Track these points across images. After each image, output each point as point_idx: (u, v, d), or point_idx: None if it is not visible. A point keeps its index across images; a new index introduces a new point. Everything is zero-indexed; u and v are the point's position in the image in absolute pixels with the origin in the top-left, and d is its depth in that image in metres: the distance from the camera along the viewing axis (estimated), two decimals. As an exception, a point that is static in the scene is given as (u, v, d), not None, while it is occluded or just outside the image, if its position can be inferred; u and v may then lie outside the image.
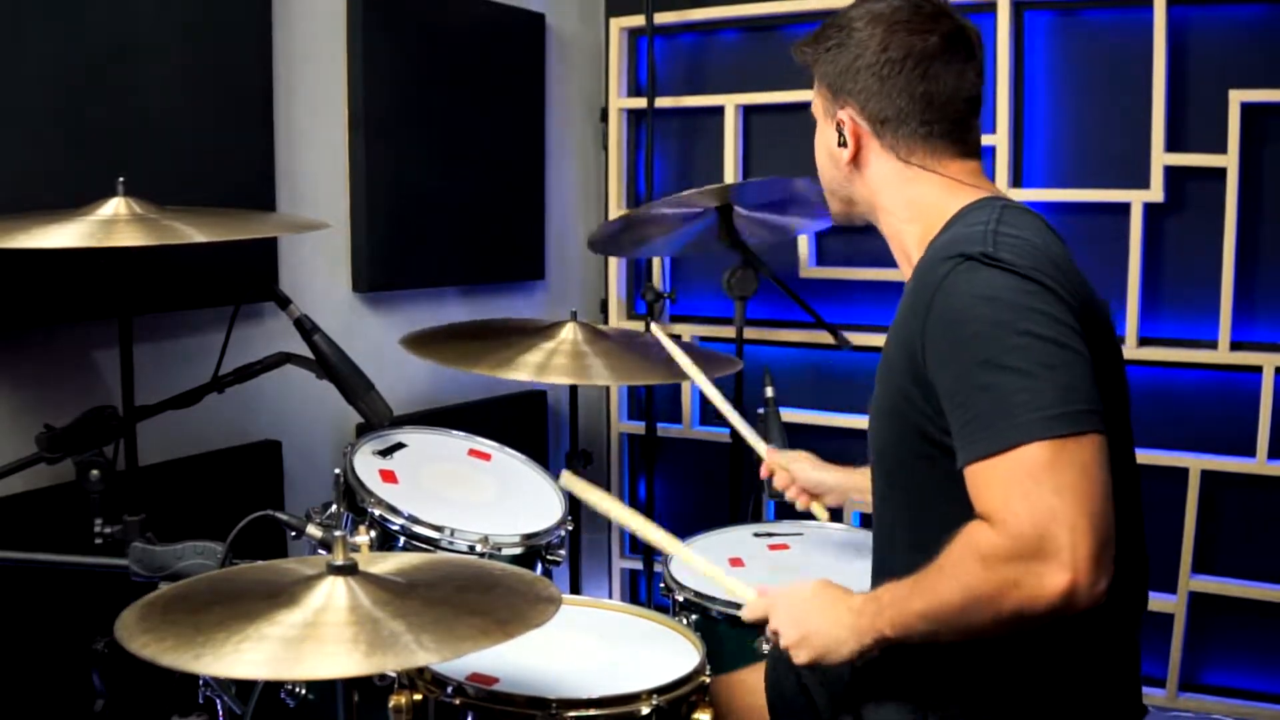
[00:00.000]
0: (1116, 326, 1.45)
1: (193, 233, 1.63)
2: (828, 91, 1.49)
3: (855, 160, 1.48)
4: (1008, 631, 1.21)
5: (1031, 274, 1.24)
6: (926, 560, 1.29)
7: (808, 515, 2.34)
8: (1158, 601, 2.68)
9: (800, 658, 1.40)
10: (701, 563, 1.66)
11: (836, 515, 2.98)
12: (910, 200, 1.46)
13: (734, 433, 2.81)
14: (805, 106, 3.18)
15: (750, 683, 1.72)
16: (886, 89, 1.43)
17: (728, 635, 1.86)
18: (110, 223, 1.63)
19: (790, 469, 2.00)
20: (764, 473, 2.03)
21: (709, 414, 3.25)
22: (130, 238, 1.57)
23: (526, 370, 2.19)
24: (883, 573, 1.51)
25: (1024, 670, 1.35)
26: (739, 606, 1.86)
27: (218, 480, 2.26)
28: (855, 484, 1.93)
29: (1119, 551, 1.26)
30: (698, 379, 2.12)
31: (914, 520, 1.42)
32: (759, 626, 1.80)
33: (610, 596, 3.41)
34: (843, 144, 1.48)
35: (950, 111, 1.44)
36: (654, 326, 2.21)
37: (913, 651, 1.41)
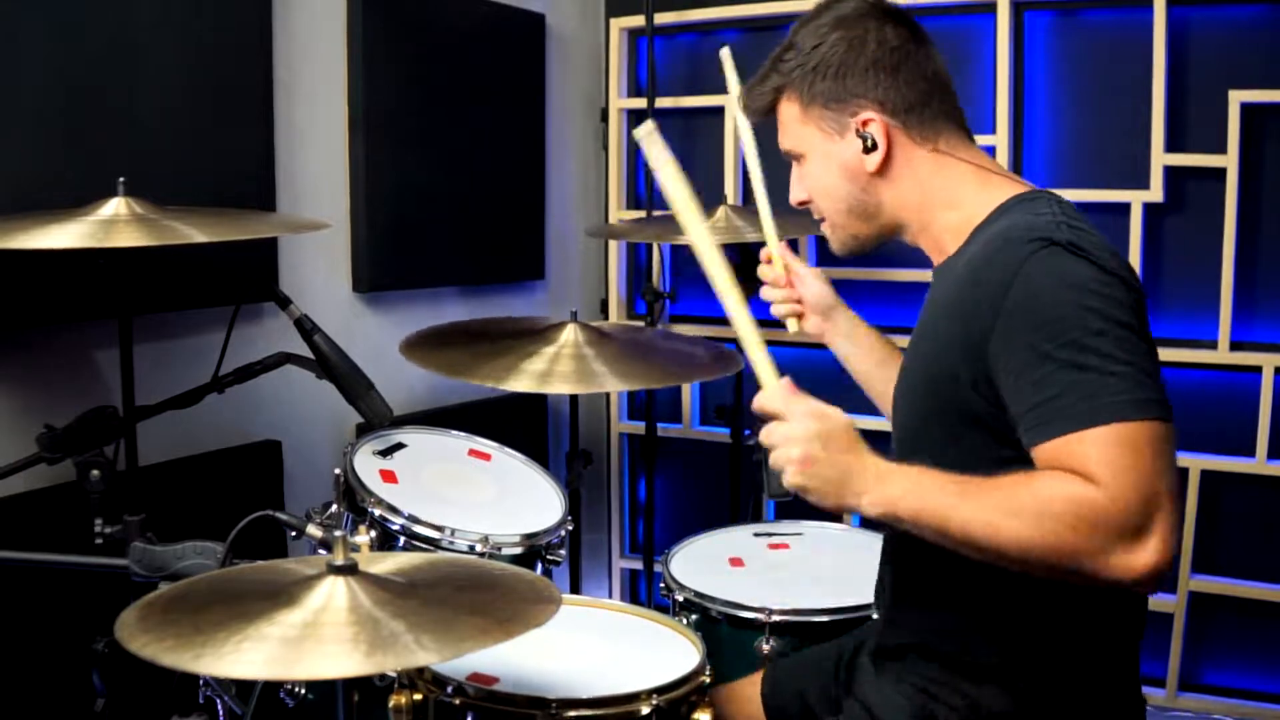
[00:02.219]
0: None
1: (193, 233, 1.63)
2: (824, 108, 1.43)
3: (884, 164, 1.42)
4: (1048, 577, 1.20)
5: (1111, 267, 1.24)
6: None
7: (809, 512, 2.34)
8: (1157, 601, 2.68)
9: (792, 478, 1.29)
10: (750, 329, 1.51)
11: (852, 523, 2.98)
12: (945, 187, 1.42)
13: (732, 426, 2.81)
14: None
15: (748, 693, 1.72)
16: (903, 77, 1.39)
17: (728, 635, 1.86)
18: (110, 223, 1.63)
19: (796, 271, 1.79)
20: (763, 255, 1.81)
21: (709, 414, 3.25)
22: (130, 238, 1.57)
23: (528, 380, 2.17)
24: (895, 550, 1.50)
25: (1028, 665, 1.35)
26: (740, 607, 1.87)
27: (218, 480, 2.26)
28: (863, 345, 1.77)
29: None
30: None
31: None
32: (760, 628, 1.81)
33: (610, 596, 3.41)
34: (870, 148, 1.41)
35: (952, 93, 1.44)
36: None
37: (916, 648, 1.42)
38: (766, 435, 1.32)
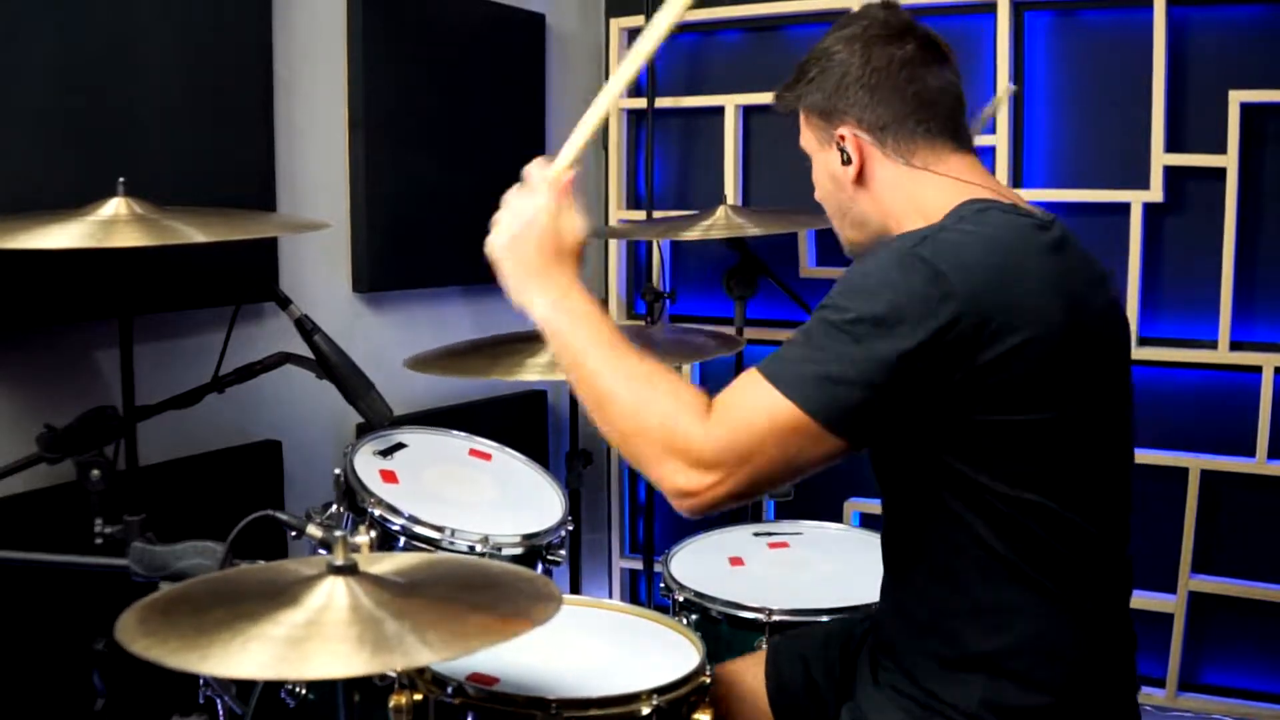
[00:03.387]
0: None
1: (193, 233, 1.63)
2: (818, 119, 1.50)
3: (860, 175, 1.48)
4: (612, 443, 1.34)
5: (925, 258, 1.26)
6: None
7: (809, 511, 2.35)
8: (1158, 601, 2.68)
9: (491, 248, 1.48)
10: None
11: (838, 508, 2.98)
12: (917, 202, 1.45)
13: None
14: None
15: (750, 670, 1.72)
16: (879, 96, 1.45)
17: (728, 635, 1.86)
18: (110, 223, 1.63)
19: None
20: None
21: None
22: (130, 238, 1.57)
23: (535, 370, 2.18)
24: (887, 554, 1.51)
25: (1027, 667, 1.35)
26: (740, 607, 1.87)
27: (218, 480, 2.26)
28: None
29: (1111, 546, 1.34)
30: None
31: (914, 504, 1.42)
32: (760, 628, 1.81)
33: (610, 596, 3.41)
34: (847, 161, 1.47)
35: (942, 108, 1.46)
36: None
37: (919, 648, 1.42)
38: (506, 199, 1.46)
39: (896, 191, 1.47)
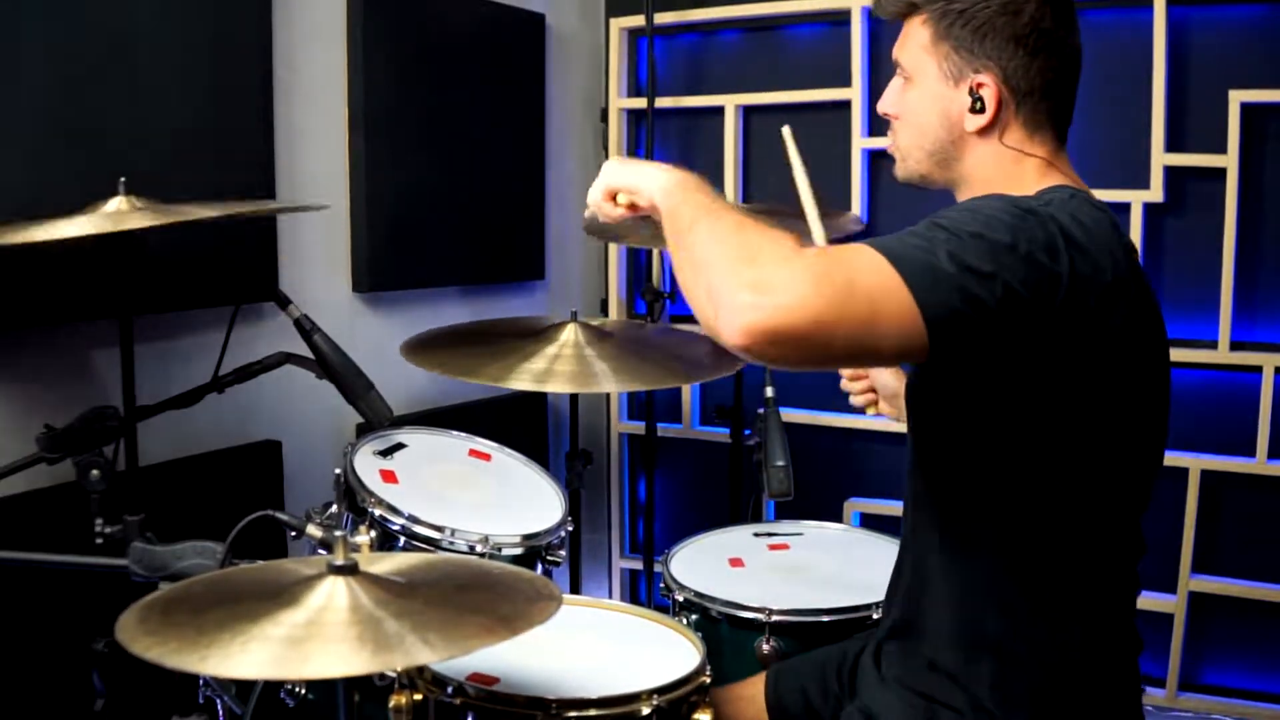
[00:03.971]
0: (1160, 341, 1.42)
1: (198, 210, 1.63)
2: (953, 50, 1.40)
3: (984, 128, 1.41)
4: (693, 290, 1.22)
5: (1036, 211, 1.22)
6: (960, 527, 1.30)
7: (809, 512, 2.35)
8: (1158, 601, 2.68)
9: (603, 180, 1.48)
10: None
11: (837, 508, 2.98)
12: (1008, 179, 1.41)
13: (732, 425, 2.81)
14: (805, 106, 3.18)
15: (749, 693, 1.72)
16: (1038, 63, 1.38)
17: (728, 635, 1.86)
18: (117, 214, 1.64)
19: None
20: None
21: (709, 414, 3.25)
22: (138, 222, 1.57)
23: (528, 378, 2.18)
24: (913, 539, 1.50)
25: (1033, 668, 1.35)
26: (740, 607, 1.87)
27: (218, 480, 2.26)
28: None
29: (1124, 538, 1.34)
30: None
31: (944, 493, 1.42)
32: (760, 628, 1.81)
33: (610, 596, 3.41)
34: (978, 109, 1.39)
35: (1071, 91, 1.43)
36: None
37: (923, 650, 1.42)
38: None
39: (1000, 161, 1.42)
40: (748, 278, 1.12)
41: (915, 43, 1.44)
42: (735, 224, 1.22)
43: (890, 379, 1.90)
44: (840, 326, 1.11)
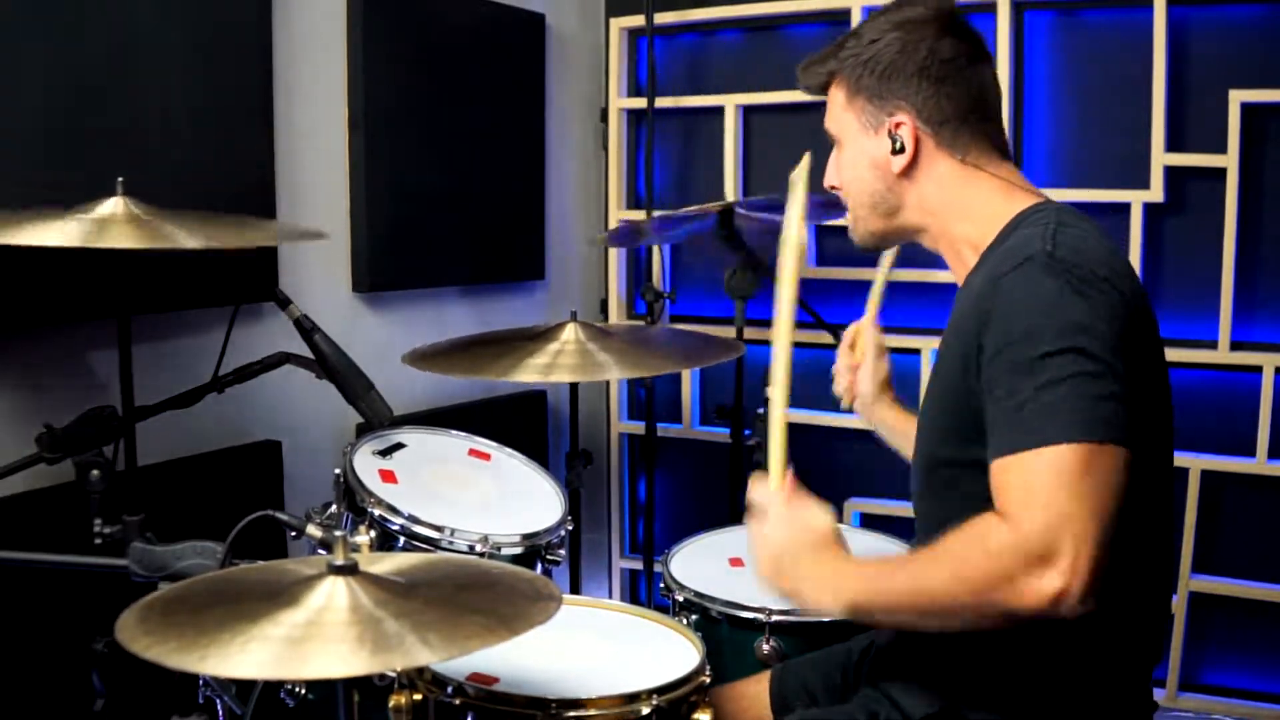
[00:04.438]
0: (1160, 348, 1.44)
1: (185, 238, 1.61)
2: (866, 102, 1.46)
3: (909, 167, 1.45)
4: (980, 626, 1.23)
5: (1085, 277, 1.25)
6: None
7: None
8: (1158, 601, 2.68)
9: (767, 587, 1.37)
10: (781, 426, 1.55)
11: (837, 508, 2.99)
12: (967, 201, 1.45)
13: (733, 426, 2.82)
14: (805, 106, 3.17)
15: (752, 691, 1.72)
16: (945, 90, 1.42)
17: (728, 635, 1.86)
18: (106, 222, 1.62)
19: (867, 357, 1.89)
20: (847, 336, 1.94)
21: (709, 414, 3.25)
22: (123, 239, 1.56)
23: (532, 372, 2.18)
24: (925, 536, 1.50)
25: (1048, 668, 1.35)
26: (740, 607, 1.87)
27: (218, 480, 2.26)
28: (896, 423, 1.85)
29: (1154, 552, 1.33)
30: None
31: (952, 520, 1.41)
32: (760, 628, 1.81)
33: (610, 596, 3.41)
34: (898, 150, 1.44)
35: (995, 111, 1.46)
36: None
37: (936, 645, 1.42)
38: (749, 529, 1.40)
39: (946, 189, 1.45)
40: (1021, 584, 1.16)
41: (836, 106, 1.51)
42: (929, 569, 1.25)
43: (868, 387, 1.89)
44: (1099, 520, 1.16)
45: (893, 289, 3.00)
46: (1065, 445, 1.17)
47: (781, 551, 1.35)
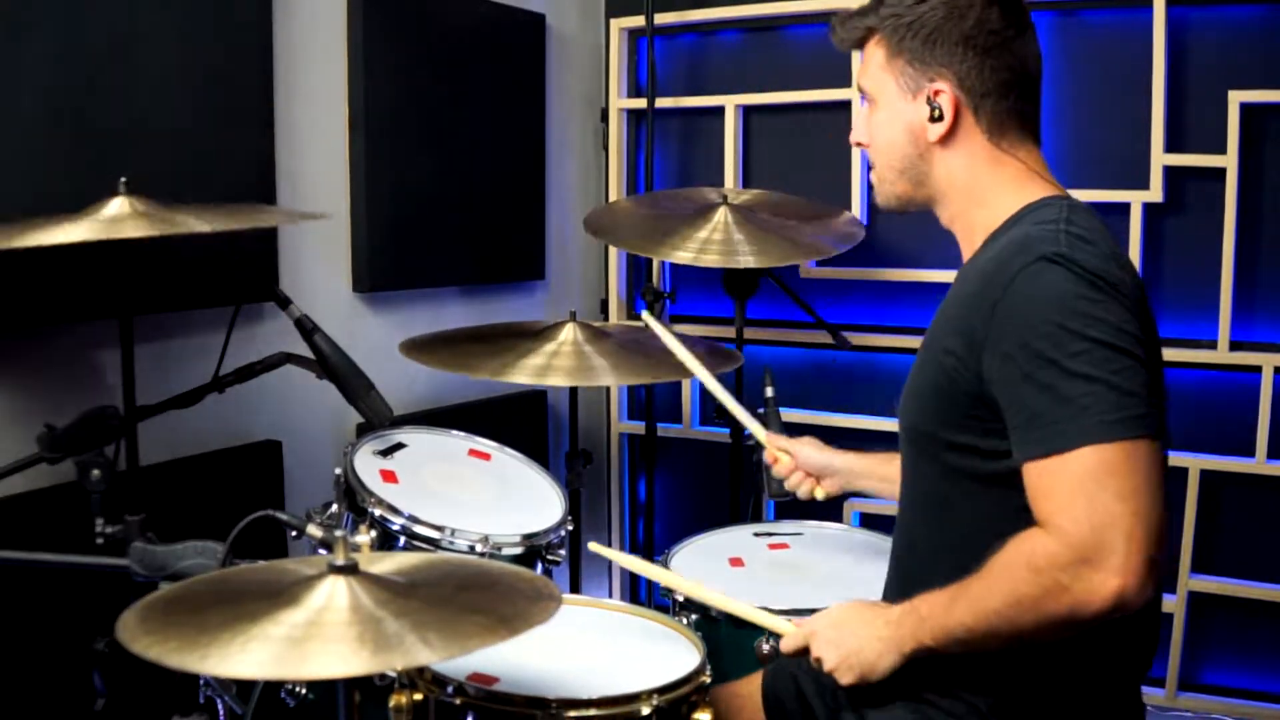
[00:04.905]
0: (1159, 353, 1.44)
1: (195, 223, 1.62)
2: (906, 64, 1.43)
3: (946, 136, 1.43)
4: (1055, 638, 1.23)
5: (1101, 277, 1.25)
6: (955, 537, 1.31)
7: (809, 511, 2.35)
8: (1157, 601, 2.68)
9: (845, 679, 1.40)
10: (732, 603, 1.67)
11: (837, 508, 2.98)
12: (985, 183, 1.44)
13: (732, 425, 2.82)
14: (805, 107, 3.17)
15: (747, 693, 1.72)
16: (990, 63, 1.39)
17: (728, 635, 1.86)
18: (115, 219, 1.63)
19: (792, 450, 1.93)
20: (768, 458, 1.95)
21: (709, 414, 3.25)
22: (136, 230, 1.57)
23: (527, 373, 2.19)
24: (908, 547, 1.50)
25: (1030, 671, 1.35)
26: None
27: (218, 480, 2.26)
28: (864, 469, 1.88)
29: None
30: (694, 368, 2.05)
31: (943, 498, 1.42)
32: (760, 628, 1.81)
33: (610, 596, 3.41)
34: (937, 118, 1.42)
35: (1035, 91, 1.45)
36: (645, 315, 2.08)
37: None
38: (815, 663, 1.45)
39: (973, 167, 1.44)
40: (1077, 590, 1.17)
41: (874, 64, 1.48)
42: (984, 592, 1.26)
43: (813, 453, 1.90)
44: (1146, 516, 1.17)
45: (889, 289, 3.01)
46: (1104, 445, 1.17)
47: (839, 648, 1.39)
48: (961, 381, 1.34)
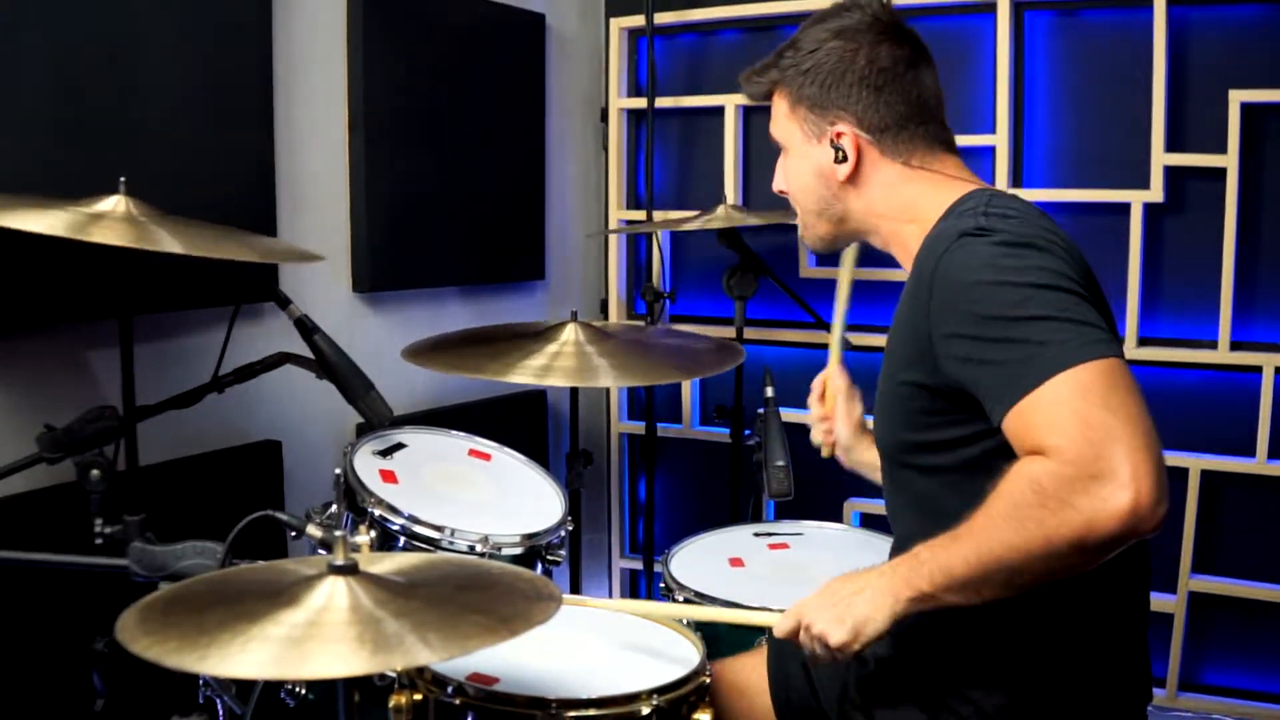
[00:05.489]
0: (1117, 327, 1.45)
1: (171, 243, 1.60)
2: (807, 111, 1.49)
3: (853, 174, 1.48)
4: (1063, 572, 1.16)
5: (1024, 239, 1.27)
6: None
7: (809, 511, 2.35)
8: (1158, 601, 2.67)
9: (837, 636, 1.30)
10: (713, 611, 1.68)
11: (838, 508, 2.98)
12: (908, 200, 1.47)
13: (732, 425, 2.82)
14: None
15: (752, 667, 1.72)
16: (884, 98, 1.45)
17: (728, 635, 1.86)
18: (100, 217, 1.62)
19: (837, 412, 1.87)
20: (816, 385, 1.91)
21: (709, 414, 3.25)
22: (113, 236, 1.55)
23: (529, 374, 2.19)
24: (904, 547, 1.50)
25: (1034, 671, 1.35)
26: (740, 607, 1.86)
27: (218, 480, 2.26)
28: (872, 461, 1.83)
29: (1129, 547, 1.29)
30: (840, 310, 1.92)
31: (933, 497, 1.42)
32: (760, 628, 1.81)
33: (610, 596, 3.41)
34: (842, 159, 1.47)
35: (937, 112, 1.49)
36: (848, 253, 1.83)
37: (925, 653, 1.41)
38: (807, 642, 1.36)
39: (891, 193, 1.48)
40: (1086, 507, 1.11)
41: (780, 114, 1.54)
42: (985, 532, 1.19)
43: (845, 432, 1.87)
44: (1139, 423, 1.13)
45: (889, 288, 3.01)
46: (1075, 368, 1.15)
47: (831, 610, 1.31)
48: (924, 388, 1.35)
